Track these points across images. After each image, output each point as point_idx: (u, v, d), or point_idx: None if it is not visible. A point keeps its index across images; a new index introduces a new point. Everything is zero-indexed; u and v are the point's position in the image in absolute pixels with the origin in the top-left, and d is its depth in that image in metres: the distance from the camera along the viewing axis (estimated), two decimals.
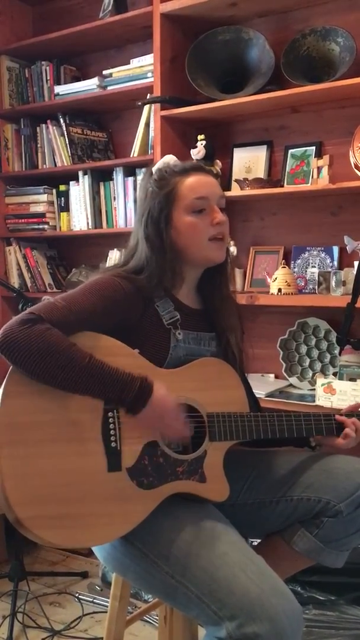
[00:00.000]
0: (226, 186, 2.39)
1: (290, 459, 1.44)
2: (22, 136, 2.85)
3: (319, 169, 2.14)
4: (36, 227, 2.82)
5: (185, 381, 1.32)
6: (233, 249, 2.37)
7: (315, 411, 1.51)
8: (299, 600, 1.13)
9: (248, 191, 2.25)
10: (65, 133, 2.68)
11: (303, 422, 1.37)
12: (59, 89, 2.70)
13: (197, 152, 2.31)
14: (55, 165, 2.75)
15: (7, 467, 1.13)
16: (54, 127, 2.73)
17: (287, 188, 2.25)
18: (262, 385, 2.23)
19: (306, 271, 2.29)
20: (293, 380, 2.32)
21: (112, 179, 2.62)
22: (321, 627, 1.90)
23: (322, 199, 2.26)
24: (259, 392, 2.13)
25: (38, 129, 2.80)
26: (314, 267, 2.28)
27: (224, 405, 1.34)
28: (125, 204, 2.58)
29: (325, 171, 2.11)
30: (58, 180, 2.77)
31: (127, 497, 1.20)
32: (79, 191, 2.68)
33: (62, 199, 2.77)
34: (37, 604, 2.20)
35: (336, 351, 2.20)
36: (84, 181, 2.66)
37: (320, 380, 2.05)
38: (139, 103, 2.39)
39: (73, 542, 1.21)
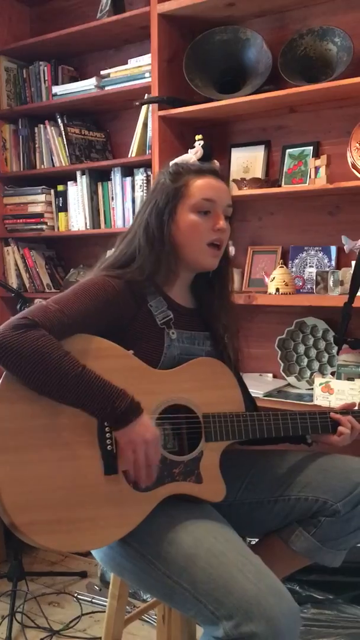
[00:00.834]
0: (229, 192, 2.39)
1: (288, 458, 1.44)
2: (20, 136, 2.85)
3: (317, 168, 2.14)
4: (34, 227, 2.82)
5: (180, 381, 1.31)
6: (231, 249, 2.36)
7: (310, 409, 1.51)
8: (297, 599, 1.14)
9: (246, 191, 2.25)
10: (63, 133, 2.68)
11: (299, 420, 1.37)
12: (57, 89, 2.70)
13: (195, 152, 2.29)
14: (54, 165, 2.75)
15: (2, 472, 1.12)
16: (52, 128, 2.73)
17: (285, 188, 2.25)
18: (260, 385, 2.23)
19: (304, 271, 2.30)
20: (291, 379, 2.32)
21: (110, 179, 2.62)
22: (319, 626, 1.90)
23: (320, 199, 2.27)
24: (257, 391, 2.13)
25: (36, 129, 2.80)
26: (312, 266, 2.28)
27: (219, 405, 1.34)
28: (124, 204, 2.58)
29: (322, 171, 2.12)
30: (56, 181, 2.77)
31: (123, 500, 1.20)
32: (77, 191, 2.68)
33: (60, 199, 2.77)
34: (36, 604, 2.20)
35: (334, 351, 2.21)
36: (82, 181, 2.66)
37: (318, 380, 2.05)
38: (137, 103, 2.39)
39: (70, 546, 1.21)
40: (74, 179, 2.69)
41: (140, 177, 2.50)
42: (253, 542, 1.54)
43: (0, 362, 1.16)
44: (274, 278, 2.18)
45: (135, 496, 1.21)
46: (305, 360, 2.30)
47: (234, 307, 1.50)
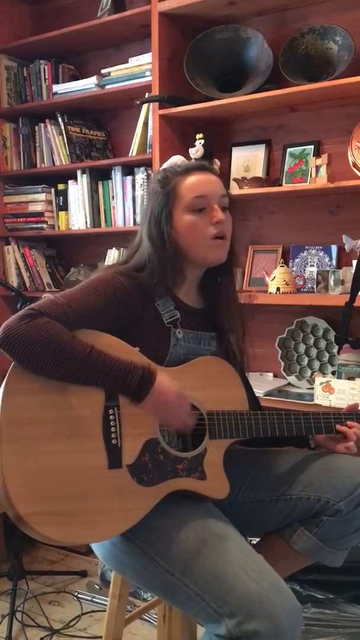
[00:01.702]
0: (224, 185, 2.38)
1: (290, 457, 1.44)
2: (21, 135, 2.85)
3: (318, 168, 2.14)
4: (35, 226, 2.81)
5: (185, 379, 1.32)
6: None
7: (314, 410, 1.51)
8: (298, 599, 1.13)
9: (246, 190, 2.25)
10: (64, 132, 2.68)
11: (302, 421, 1.37)
12: (57, 88, 2.70)
13: (196, 151, 2.29)
14: (54, 164, 2.75)
15: (8, 463, 1.13)
16: (53, 126, 2.73)
17: (286, 187, 2.25)
18: (261, 384, 2.23)
19: (305, 270, 2.30)
20: (291, 379, 2.32)
21: (110, 178, 2.62)
22: (320, 625, 1.90)
23: (321, 198, 2.26)
24: (258, 390, 2.13)
25: (36, 128, 2.80)
26: (313, 266, 2.28)
27: (224, 404, 1.34)
28: (124, 203, 2.57)
29: (323, 170, 2.12)
30: (56, 180, 2.77)
31: (127, 494, 1.21)
32: (78, 190, 2.68)
33: (61, 198, 2.77)
34: (36, 603, 2.20)
35: (334, 350, 2.21)
36: (83, 180, 2.66)
37: (319, 379, 2.05)
38: (137, 102, 2.39)
39: (73, 538, 1.21)
40: (74, 177, 2.69)
41: (140, 176, 2.50)
42: (254, 542, 1.54)
43: (10, 354, 1.17)
44: (274, 277, 2.18)
45: (139, 491, 1.22)
46: (306, 359, 2.30)
47: (240, 307, 1.50)
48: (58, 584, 2.37)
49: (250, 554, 1.15)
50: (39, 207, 2.80)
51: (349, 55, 2.05)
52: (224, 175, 2.43)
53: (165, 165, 1.43)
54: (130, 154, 2.53)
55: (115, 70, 2.54)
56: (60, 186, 2.76)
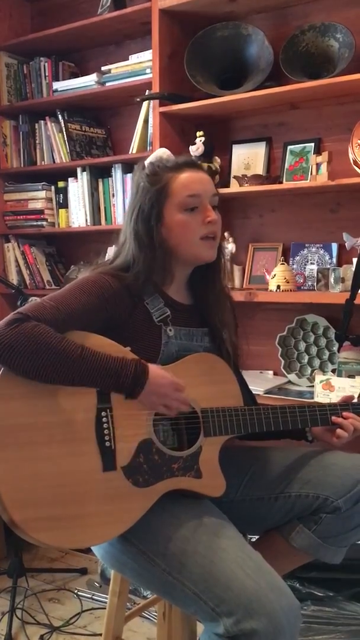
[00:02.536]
0: (225, 183, 2.39)
1: (289, 455, 1.44)
2: (21, 132, 2.84)
3: (318, 165, 2.14)
4: (35, 223, 2.81)
5: (178, 377, 1.30)
6: (232, 246, 2.37)
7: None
8: (297, 597, 1.13)
9: (247, 188, 2.24)
10: (64, 129, 2.68)
11: (298, 414, 1.36)
12: (58, 85, 2.70)
13: (196, 148, 2.30)
14: (54, 161, 2.74)
15: (1, 470, 1.12)
16: (53, 124, 2.72)
17: (286, 185, 2.25)
18: (261, 382, 2.23)
19: (305, 268, 2.29)
20: (292, 377, 2.32)
21: (110, 176, 2.61)
22: (319, 623, 1.90)
23: (321, 196, 2.26)
24: (258, 388, 2.13)
25: (36, 125, 2.80)
26: (313, 263, 2.28)
27: (217, 400, 1.34)
28: (124, 201, 2.57)
29: (324, 168, 2.11)
30: (56, 177, 2.77)
31: (123, 496, 1.20)
32: (78, 188, 2.68)
33: (61, 195, 2.76)
34: (36, 601, 2.21)
35: (335, 348, 2.21)
36: (83, 178, 2.66)
37: (319, 377, 2.05)
38: (138, 99, 2.38)
39: (70, 543, 1.21)
40: (74, 175, 2.69)
41: None
42: (253, 539, 1.54)
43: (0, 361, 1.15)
44: (274, 275, 2.18)
45: (134, 492, 1.21)
46: (306, 357, 2.30)
47: (232, 301, 1.49)
48: (58, 581, 2.37)
49: (248, 552, 1.15)
50: (39, 205, 2.79)
51: (349, 53, 2.05)
52: (224, 172, 2.42)
53: (151, 159, 1.38)
54: (130, 152, 2.53)
55: (115, 68, 2.54)
56: (61, 184, 2.76)
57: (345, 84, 1.99)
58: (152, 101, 2.36)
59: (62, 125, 2.69)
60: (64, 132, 2.68)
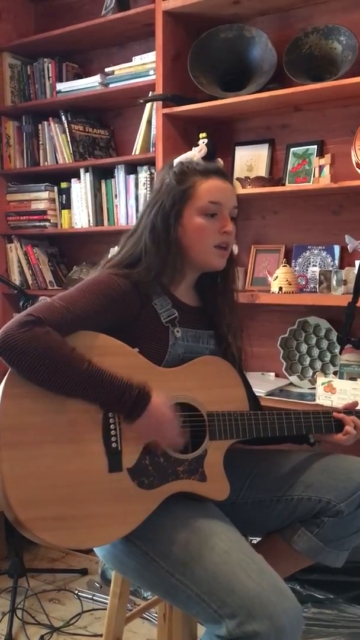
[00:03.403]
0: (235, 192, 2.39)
1: (291, 458, 1.44)
2: (24, 133, 2.85)
3: (321, 167, 2.14)
4: (37, 224, 2.81)
5: (185, 380, 1.32)
6: (235, 248, 2.36)
7: (314, 409, 1.51)
8: (298, 599, 1.13)
9: (249, 190, 2.24)
10: (67, 130, 2.68)
11: (302, 420, 1.37)
12: (61, 86, 2.70)
13: (199, 150, 2.29)
14: (57, 162, 2.75)
15: (7, 468, 1.13)
16: (56, 125, 2.73)
17: (289, 187, 2.25)
18: (263, 384, 2.23)
19: (307, 270, 2.29)
20: (293, 379, 2.32)
21: (113, 177, 2.62)
22: (320, 625, 1.90)
23: (324, 198, 2.26)
24: (259, 390, 2.13)
25: (40, 126, 2.80)
26: (315, 266, 2.28)
27: (223, 404, 1.34)
28: (127, 202, 2.57)
29: (327, 170, 2.11)
30: (59, 178, 2.77)
31: (128, 497, 1.20)
32: (81, 189, 2.68)
33: (64, 196, 2.77)
34: (37, 601, 2.21)
35: (337, 350, 2.21)
36: (86, 179, 2.66)
37: (321, 379, 2.05)
38: (141, 101, 2.39)
39: (74, 543, 1.21)
40: (77, 176, 2.69)
41: (144, 174, 2.50)
42: (255, 542, 1.54)
43: (7, 360, 1.16)
44: (277, 277, 2.18)
45: (139, 494, 1.22)
46: (308, 359, 2.30)
47: (238, 306, 1.50)
48: (59, 581, 2.37)
49: (251, 555, 1.15)
50: (41, 205, 2.80)
51: (353, 55, 2.05)
52: (227, 174, 2.42)
53: (181, 159, 1.40)
54: (133, 153, 2.53)
55: (119, 69, 2.54)
56: (63, 184, 2.76)
57: (348, 86, 1.99)
58: (155, 102, 2.36)
59: (66, 126, 2.69)
60: (67, 133, 2.68)
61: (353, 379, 2.03)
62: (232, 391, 1.38)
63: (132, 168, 2.56)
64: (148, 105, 2.45)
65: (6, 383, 1.17)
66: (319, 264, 2.27)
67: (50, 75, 2.77)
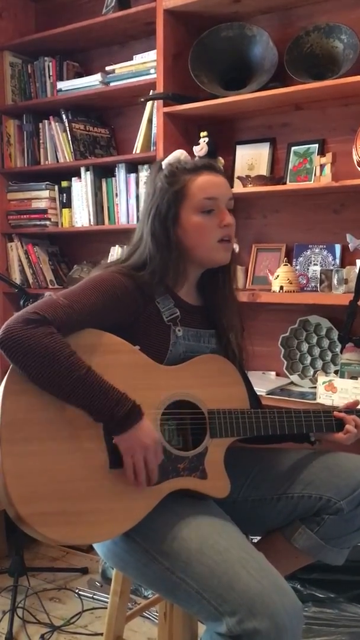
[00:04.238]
0: (228, 183, 2.39)
1: (292, 456, 1.44)
2: (25, 132, 2.84)
3: (322, 166, 2.13)
4: (38, 223, 2.81)
5: (186, 378, 1.32)
6: (235, 247, 2.36)
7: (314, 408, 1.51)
8: (299, 598, 1.13)
9: (250, 188, 2.24)
10: (68, 129, 2.68)
11: (303, 419, 1.37)
12: (62, 85, 2.70)
13: (200, 149, 2.29)
14: (58, 161, 2.75)
15: (8, 464, 1.13)
16: (57, 123, 2.73)
17: (290, 185, 2.25)
18: (263, 383, 2.23)
19: (308, 269, 2.29)
20: (294, 378, 2.32)
21: (114, 176, 2.62)
22: (320, 624, 1.90)
23: (325, 197, 2.26)
24: (260, 389, 2.13)
25: (40, 125, 2.80)
26: (316, 265, 2.28)
27: (224, 402, 1.34)
28: (128, 201, 2.57)
29: (328, 169, 2.11)
30: (60, 177, 2.77)
31: (128, 494, 1.20)
32: (81, 187, 2.68)
33: (64, 195, 2.77)
34: (37, 600, 2.21)
35: (337, 349, 2.20)
36: (86, 177, 2.66)
37: (322, 378, 2.05)
38: (142, 99, 2.38)
39: (74, 539, 1.21)
40: (78, 175, 2.69)
41: (144, 173, 2.50)
42: (255, 540, 1.54)
43: (8, 356, 1.16)
44: (278, 276, 2.18)
45: (139, 490, 1.21)
46: (309, 358, 2.30)
47: (238, 305, 1.50)
48: (59, 580, 2.37)
49: (251, 553, 1.15)
50: (42, 204, 2.79)
51: (354, 54, 2.05)
52: (228, 173, 2.42)
53: (169, 160, 1.39)
54: (134, 152, 2.53)
55: (119, 68, 2.54)
56: (64, 183, 2.76)
57: (349, 85, 1.99)
58: (156, 101, 2.36)
59: (66, 124, 2.69)
60: (68, 132, 2.68)
61: (354, 377, 2.03)
62: (232, 389, 1.38)
63: (132, 167, 2.56)
64: (149, 103, 2.45)
65: (7, 379, 1.18)
66: (320, 263, 2.27)
67: (50, 73, 2.77)
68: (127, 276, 1.31)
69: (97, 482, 1.19)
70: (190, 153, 2.31)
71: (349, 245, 2.11)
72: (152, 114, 2.44)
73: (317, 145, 2.25)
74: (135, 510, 1.20)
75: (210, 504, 1.29)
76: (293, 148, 2.30)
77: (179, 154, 1.40)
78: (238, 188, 2.29)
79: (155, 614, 2.03)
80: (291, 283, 2.15)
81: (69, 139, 2.68)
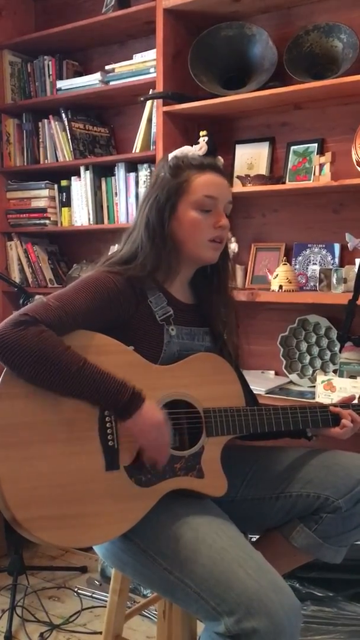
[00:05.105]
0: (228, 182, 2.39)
1: (290, 454, 1.44)
2: (24, 131, 2.85)
3: (321, 166, 2.14)
4: (37, 222, 2.81)
5: (180, 377, 1.31)
6: (234, 246, 2.37)
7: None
8: (298, 597, 1.13)
9: (250, 188, 2.24)
10: (67, 128, 2.68)
11: (299, 415, 1.37)
12: (61, 84, 2.70)
13: (199, 148, 2.29)
14: (57, 160, 2.75)
15: (3, 469, 1.12)
16: (56, 122, 2.73)
17: (289, 185, 2.25)
18: (262, 382, 2.23)
19: (307, 268, 2.29)
20: (293, 377, 2.32)
21: (113, 175, 2.62)
22: (319, 623, 1.90)
23: (324, 196, 2.26)
24: (259, 388, 2.13)
25: (40, 124, 2.80)
26: (315, 264, 2.28)
27: (220, 400, 1.34)
28: (127, 200, 2.57)
29: (327, 168, 2.11)
30: (60, 176, 2.77)
31: (125, 495, 1.20)
32: (81, 186, 2.68)
33: (64, 194, 2.77)
34: (36, 598, 2.21)
35: (336, 348, 2.21)
36: (86, 176, 2.66)
37: (321, 377, 2.05)
38: (141, 99, 2.38)
39: (72, 542, 1.21)
40: (77, 174, 2.69)
41: (144, 172, 2.50)
42: (254, 539, 1.54)
43: (2, 360, 1.16)
44: (277, 275, 2.18)
45: (136, 491, 1.22)
46: (308, 357, 2.30)
47: (234, 302, 1.50)
48: (58, 579, 2.37)
49: (249, 552, 1.15)
50: (42, 203, 2.80)
51: (353, 53, 2.05)
52: (227, 172, 2.42)
53: (177, 153, 1.40)
54: (133, 151, 2.53)
55: (119, 67, 2.54)
56: (64, 182, 2.76)
57: (349, 84, 1.99)
58: (155, 100, 2.36)
59: (66, 123, 2.69)
60: (68, 131, 2.68)
61: (353, 377, 2.03)
62: (228, 387, 1.38)
63: (132, 166, 2.56)
64: (148, 103, 2.45)
65: (1, 383, 1.17)
66: (319, 262, 2.27)
67: (50, 72, 2.77)
68: (118, 274, 1.30)
69: (93, 485, 1.18)
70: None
71: (348, 245, 2.11)
72: (152, 113, 2.44)
73: (316, 144, 2.26)
74: (133, 512, 1.20)
75: (208, 503, 1.30)
76: (292, 147, 2.30)
77: (187, 150, 1.41)
78: (237, 187, 2.29)
79: (154, 612, 2.03)
80: (290, 282, 2.15)
81: (69, 138, 2.68)
